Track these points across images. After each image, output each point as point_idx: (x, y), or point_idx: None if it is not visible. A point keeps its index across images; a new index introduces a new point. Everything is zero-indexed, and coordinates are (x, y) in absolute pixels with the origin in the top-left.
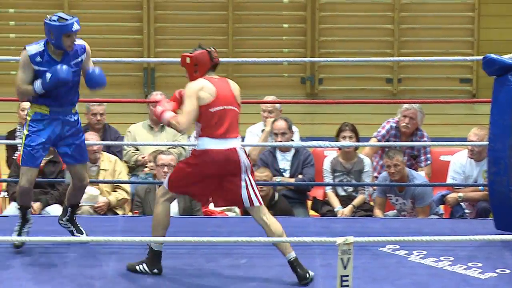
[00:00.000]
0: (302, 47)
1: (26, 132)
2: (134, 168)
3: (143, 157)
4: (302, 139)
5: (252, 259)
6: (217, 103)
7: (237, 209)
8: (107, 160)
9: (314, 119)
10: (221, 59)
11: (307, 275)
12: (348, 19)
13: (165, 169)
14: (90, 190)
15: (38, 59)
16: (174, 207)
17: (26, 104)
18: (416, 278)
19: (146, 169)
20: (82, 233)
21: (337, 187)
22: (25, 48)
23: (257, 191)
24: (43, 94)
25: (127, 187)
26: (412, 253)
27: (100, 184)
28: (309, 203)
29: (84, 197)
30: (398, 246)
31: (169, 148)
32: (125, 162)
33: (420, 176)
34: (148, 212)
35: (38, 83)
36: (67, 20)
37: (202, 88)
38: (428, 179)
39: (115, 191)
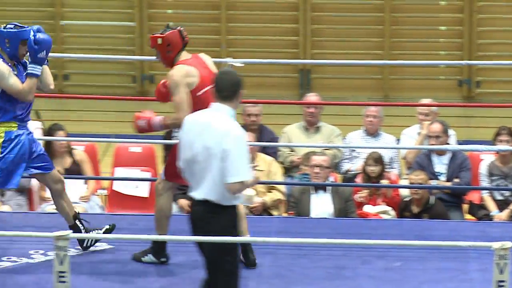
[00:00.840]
0: (459, 49)
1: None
2: (289, 169)
3: (298, 158)
4: (458, 143)
5: (406, 262)
6: (202, 85)
7: (392, 212)
8: (262, 161)
9: (470, 122)
10: (376, 61)
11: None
12: (507, 21)
13: (317, 170)
14: (246, 191)
15: (9, 64)
16: (330, 208)
17: None
18: None
19: (301, 170)
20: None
21: (494, 191)
22: None
23: None
24: (14, 109)
25: (282, 188)
26: None
27: (255, 185)
28: (465, 207)
29: None
30: None
31: (324, 149)
32: (281, 163)
33: None
34: (303, 213)
35: (32, 66)
36: (23, 27)
37: (187, 74)
38: None
39: (270, 192)
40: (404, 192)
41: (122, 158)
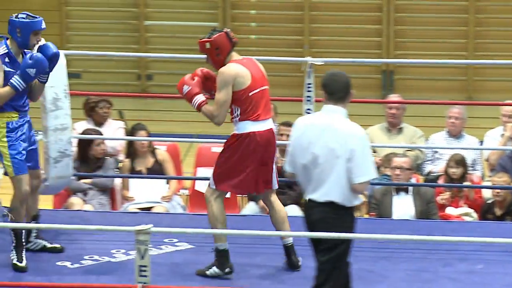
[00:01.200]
0: None
1: (5, 144)
2: None
3: (380, 159)
4: None
5: (488, 265)
6: (254, 86)
7: (474, 214)
8: None
9: None
10: (460, 61)
11: (299, 263)
12: None
13: (398, 171)
14: None
15: (7, 59)
16: (411, 210)
17: None
18: None
19: (382, 172)
20: (53, 244)
21: None
22: None
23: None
24: (12, 99)
25: None
26: None
27: None
28: None
29: None
30: None
31: (406, 151)
32: None
33: None
34: (384, 214)
35: (17, 79)
36: (35, 17)
37: (237, 74)
38: None
39: None
40: (487, 194)
41: (204, 158)
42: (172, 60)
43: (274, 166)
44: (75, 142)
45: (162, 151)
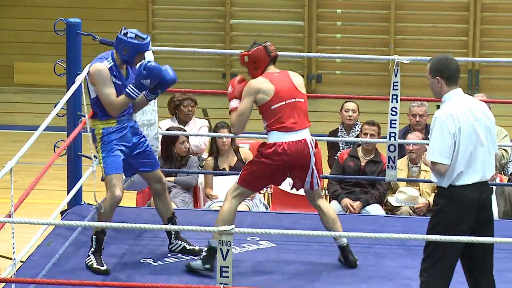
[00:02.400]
0: None
1: (99, 148)
2: None
3: None
4: None
5: None
6: (276, 100)
7: None
8: None
9: None
10: None
11: (356, 262)
12: None
13: None
14: (410, 191)
15: (114, 72)
16: (495, 210)
17: (351, 105)
18: None
19: None
20: (192, 245)
21: None
22: (95, 64)
23: (318, 176)
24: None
25: None
26: None
27: (420, 185)
28: None
29: (404, 197)
30: None
31: None
32: None
33: None
34: None
35: (132, 88)
36: (144, 39)
37: (259, 90)
38: None
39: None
40: None
41: None
42: None
43: (309, 173)
44: (160, 139)
45: (245, 149)
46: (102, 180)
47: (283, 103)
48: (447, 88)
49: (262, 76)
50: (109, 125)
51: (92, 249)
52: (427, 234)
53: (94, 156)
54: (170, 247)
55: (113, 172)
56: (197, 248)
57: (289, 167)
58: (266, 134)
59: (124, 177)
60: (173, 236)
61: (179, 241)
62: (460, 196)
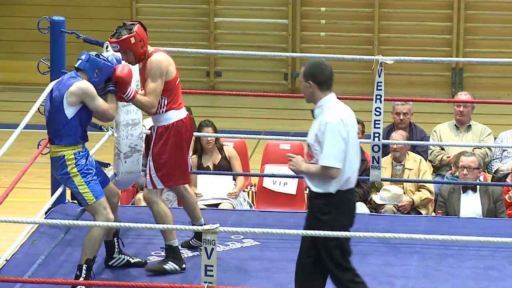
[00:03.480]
0: None
1: (76, 173)
2: (438, 168)
3: (448, 157)
4: None
5: None
6: (177, 74)
7: None
8: (412, 160)
9: None
10: None
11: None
12: None
13: (465, 171)
14: (394, 189)
15: None
16: (479, 208)
17: None
18: None
19: (451, 171)
20: (135, 258)
21: None
22: (79, 83)
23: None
24: (79, 131)
25: (431, 187)
26: None
27: (404, 183)
28: None
29: (388, 196)
30: None
31: (475, 148)
32: (430, 161)
33: None
34: (451, 212)
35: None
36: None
37: (169, 62)
38: None
39: (419, 191)
40: None
41: (271, 155)
42: (241, 57)
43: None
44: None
45: (229, 147)
46: (85, 205)
47: (178, 77)
48: (320, 93)
49: (160, 52)
50: (78, 149)
51: (82, 278)
52: (322, 243)
53: None
54: (111, 262)
55: (101, 196)
56: (142, 260)
57: (187, 145)
58: (158, 115)
59: None
60: (116, 250)
61: (123, 255)
62: (347, 202)
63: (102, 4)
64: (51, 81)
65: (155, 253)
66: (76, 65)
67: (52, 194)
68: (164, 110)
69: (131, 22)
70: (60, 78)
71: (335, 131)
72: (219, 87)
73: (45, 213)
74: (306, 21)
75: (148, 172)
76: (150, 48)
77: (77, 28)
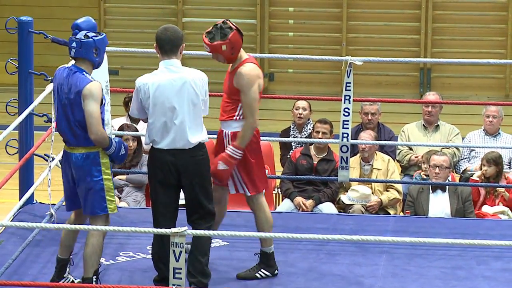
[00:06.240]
0: None
1: (109, 177)
2: (406, 168)
3: (416, 157)
4: None
5: None
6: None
7: (510, 212)
8: (380, 160)
9: None
10: (498, 60)
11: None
12: None
13: (437, 170)
14: (362, 189)
15: None
16: (447, 208)
17: (302, 104)
18: None
19: (420, 171)
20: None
21: None
22: (94, 83)
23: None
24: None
25: (399, 186)
26: None
27: (372, 183)
28: None
29: (356, 196)
30: None
31: (443, 148)
32: (398, 161)
33: None
34: (420, 212)
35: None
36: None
37: (259, 75)
38: None
39: (388, 191)
40: None
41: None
42: (209, 57)
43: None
44: None
45: None
46: (95, 214)
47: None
48: (161, 57)
49: (251, 63)
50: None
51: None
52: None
53: (46, 155)
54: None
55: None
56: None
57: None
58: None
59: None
60: (67, 270)
61: (70, 276)
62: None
63: (70, 4)
64: (19, 81)
65: (123, 253)
66: (72, 55)
67: (20, 195)
68: (241, 117)
69: (230, 25)
70: (64, 76)
71: (134, 92)
72: None
73: (13, 215)
74: (275, 21)
75: (242, 179)
76: (243, 54)
77: (45, 28)
